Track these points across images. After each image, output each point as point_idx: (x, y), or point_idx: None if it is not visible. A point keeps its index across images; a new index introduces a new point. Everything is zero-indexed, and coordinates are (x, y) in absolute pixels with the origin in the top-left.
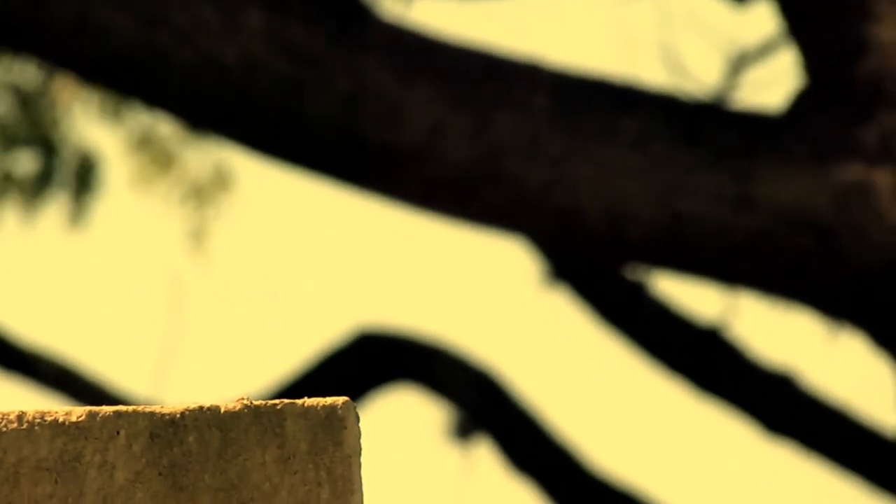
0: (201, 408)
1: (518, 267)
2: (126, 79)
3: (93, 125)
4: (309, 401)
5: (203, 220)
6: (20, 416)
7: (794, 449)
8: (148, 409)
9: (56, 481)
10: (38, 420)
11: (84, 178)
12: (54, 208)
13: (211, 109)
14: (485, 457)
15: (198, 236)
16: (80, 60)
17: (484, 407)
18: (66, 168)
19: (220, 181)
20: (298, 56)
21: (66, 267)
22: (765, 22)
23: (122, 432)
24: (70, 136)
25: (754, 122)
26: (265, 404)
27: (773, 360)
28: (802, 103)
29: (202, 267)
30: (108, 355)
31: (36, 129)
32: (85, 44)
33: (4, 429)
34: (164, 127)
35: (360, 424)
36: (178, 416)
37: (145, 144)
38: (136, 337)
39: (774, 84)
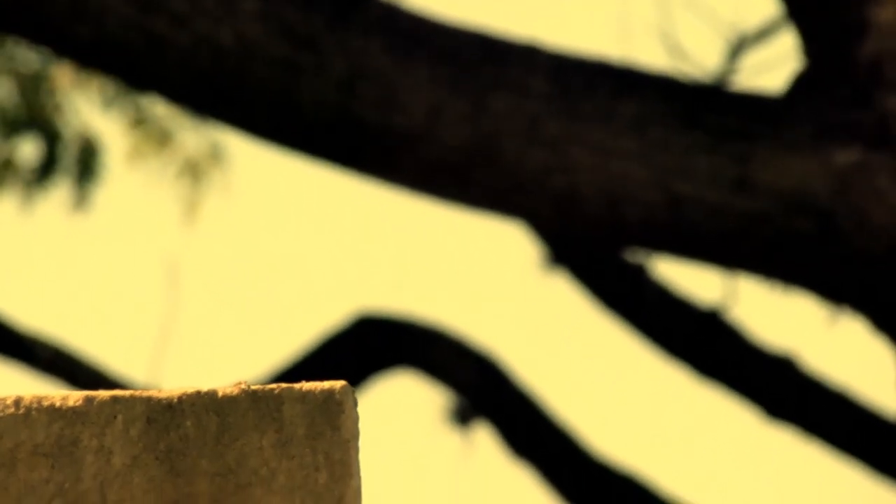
0: (199, 392)
1: (517, 251)
2: (122, 63)
3: (94, 109)
4: (307, 385)
5: (198, 198)
6: (17, 401)
7: (794, 433)
8: (145, 394)
9: (53, 466)
10: (35, 405)
11: (86, 163)
12: (55, 194)
13: (207, 93)
14: (484, 442)
15: (193, 214)
16: (76, 46)
17: (483, 391)
18: (67, 154)
19: (216, 159)
20: (295, 38)
21: (63, 252)
22: (764, 4)
23: (120, 417)
24: (71, 121)
25: (753, 105)
26: (263, 389)
27: (774, 344)
28: (802, 86)
29: (200, 251)
30: (106, 340)
31: (37, 114)
32: (81, 29)
33: (1, 414)
34: (160, 107)
35: (359, 409)
36: (175, 400)
37: (141, 124)
38: (134, 321)
39: (774, 67)
